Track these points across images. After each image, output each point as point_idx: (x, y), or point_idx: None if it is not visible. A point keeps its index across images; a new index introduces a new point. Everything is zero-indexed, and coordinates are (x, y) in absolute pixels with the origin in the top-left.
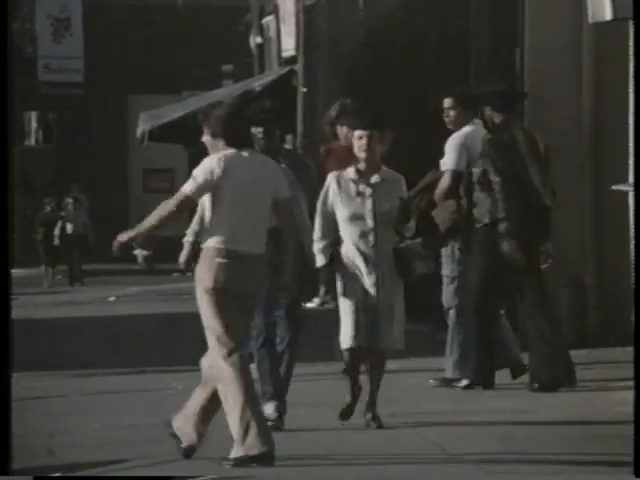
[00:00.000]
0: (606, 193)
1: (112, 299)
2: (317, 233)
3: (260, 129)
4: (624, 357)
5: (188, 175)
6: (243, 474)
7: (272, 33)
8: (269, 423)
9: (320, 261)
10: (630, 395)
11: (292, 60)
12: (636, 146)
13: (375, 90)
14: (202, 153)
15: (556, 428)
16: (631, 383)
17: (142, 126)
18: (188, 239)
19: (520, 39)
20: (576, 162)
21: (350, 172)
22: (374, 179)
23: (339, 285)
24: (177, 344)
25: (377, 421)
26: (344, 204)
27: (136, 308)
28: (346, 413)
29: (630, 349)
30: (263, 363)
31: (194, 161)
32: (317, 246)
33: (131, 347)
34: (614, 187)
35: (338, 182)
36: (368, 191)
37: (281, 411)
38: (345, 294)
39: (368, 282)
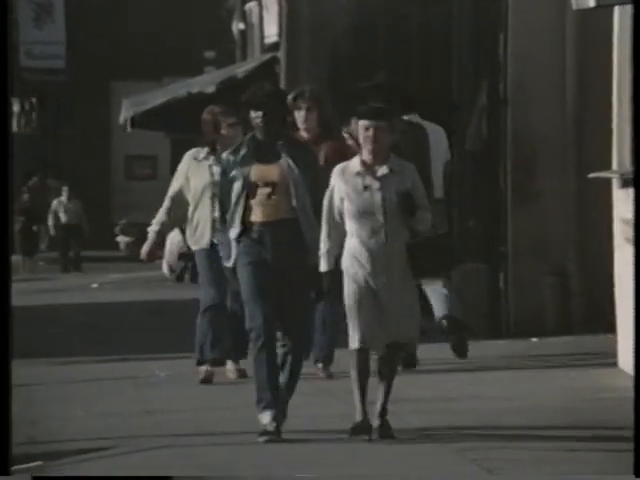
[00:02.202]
0: (589, 180)
1: (94, 286)
2: (322, 234)
3: (259, 113)
4: (607, 344)
5: (171, 162)
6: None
7: (254, 19)
8: (266, 435)
9: (322, 266)
10: (614, 381)
11: (275, 46)
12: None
13: (358, 77)
14: (184, 140)
15: (539, 415)
16: (614, 369)
17: (125, 113)
18: (153, 229)
19: (504, 24)
20: (559, 149)
21: (355, 165)
22: (382, 171)
23: (346, 286)
24: (160, 331)
25: (386, 430)
26: (351, 200)
27: (119, 295)
28: (356, 430)
29: (612, 336)
30: (261, 369)
31: (177, 148)
32: (321, 249)
33: (114, 334)
34: (592, 175)
35: (343, 178)
36: (376, 184)
37: (278, 421)
38: (352, 295)
39: (378, 282)
